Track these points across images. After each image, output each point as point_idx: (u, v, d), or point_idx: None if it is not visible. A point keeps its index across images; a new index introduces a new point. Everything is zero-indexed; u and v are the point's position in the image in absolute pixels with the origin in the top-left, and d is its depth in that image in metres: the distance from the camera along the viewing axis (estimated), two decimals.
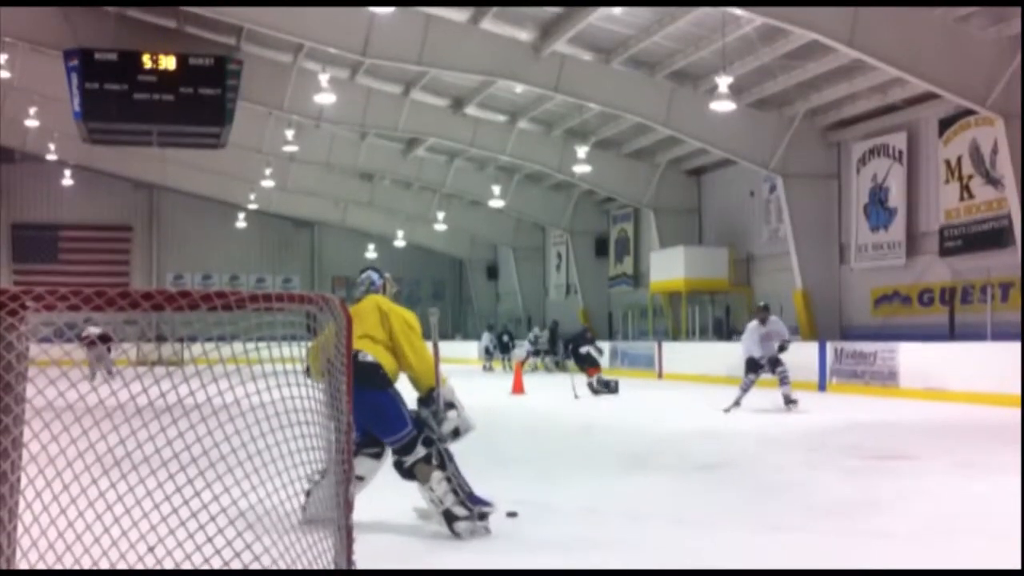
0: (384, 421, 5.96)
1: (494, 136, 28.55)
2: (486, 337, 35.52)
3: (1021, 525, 6.01)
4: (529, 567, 5.29)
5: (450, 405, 6.22)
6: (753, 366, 15.92)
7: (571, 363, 20.04)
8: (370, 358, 5.91)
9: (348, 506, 3.24)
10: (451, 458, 6.08)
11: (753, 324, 16.03)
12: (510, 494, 7.02)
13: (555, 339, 33.34)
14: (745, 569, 5.30)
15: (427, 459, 5.96)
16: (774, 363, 15.84)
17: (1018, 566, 5.32)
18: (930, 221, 21.14)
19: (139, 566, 2.93)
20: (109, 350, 23.57)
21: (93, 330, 20.20)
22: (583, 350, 19.84)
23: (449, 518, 5.90)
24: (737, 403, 15.76)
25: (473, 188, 34.75)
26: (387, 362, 6.00)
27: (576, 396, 18.91)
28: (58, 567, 2.76)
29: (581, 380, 20.42)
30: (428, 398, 6.19)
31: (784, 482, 8.60)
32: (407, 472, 6.00)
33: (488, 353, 35.03)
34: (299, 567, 3.55)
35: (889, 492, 7.98)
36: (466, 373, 29.21)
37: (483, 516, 6.01)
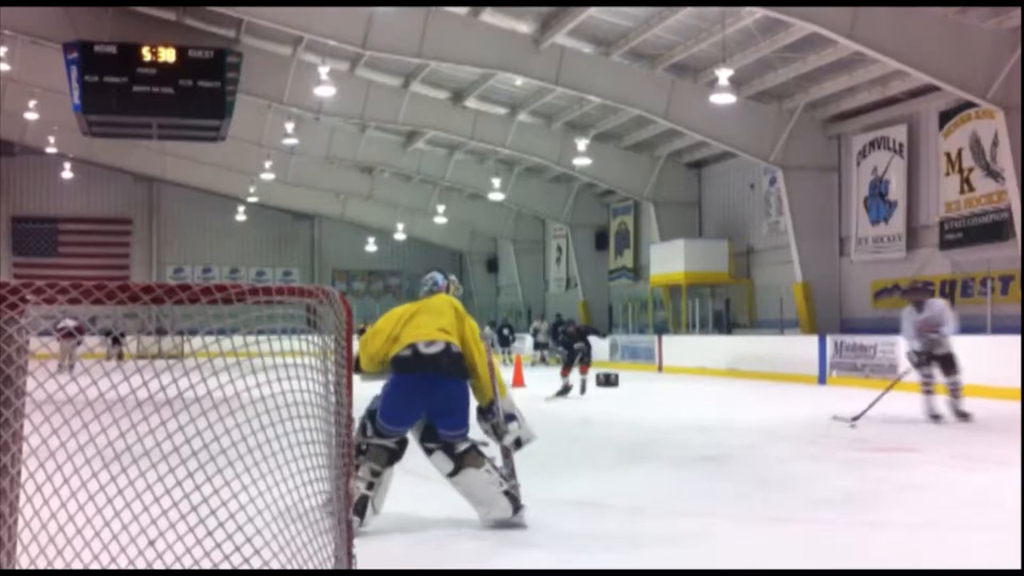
0: (459, 412, 5.94)
1: (494, 129, 28.53)
2: (487, 332, 35.50)
3: (1021, 521, 6.01)
4: (529, 560, 5.29)
5: (511, 417, 6.22)
6: (917, 361, 12.92)
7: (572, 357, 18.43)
8: (458, 349, 5.99)
9: (348, 499, 3.24)
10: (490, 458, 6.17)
11: (907, 309, 12.96)
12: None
13: (556, 333, 33.34)
14: (745, 569, 5.30)
15: (477, 449, 6.03)
16: (946, 365, 12.71)
17: (1018, 560, 5.32)
18: (930, 214, 21.13)
19: (139, 560, 2.93)
20: (79, 343, 23.60)
21: (69, 322, 20.33)
22: (577, 345, 18.35)
23: (511, 498, 5.99)
24: (936, 416, 12.73)
25: (473, 181, 34.74)
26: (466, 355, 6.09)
27: (583, 392, 18.24)
28: (58, 561, 2.76)
29: (582, 376, 19.02)
30: (488, 410, 6.20)
31: (785, 474, 8.60)
32: (457, 458, 5.94)
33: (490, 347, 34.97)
34: (299, 560, 3.54)
35: (889, 484, 7.99)
36: None
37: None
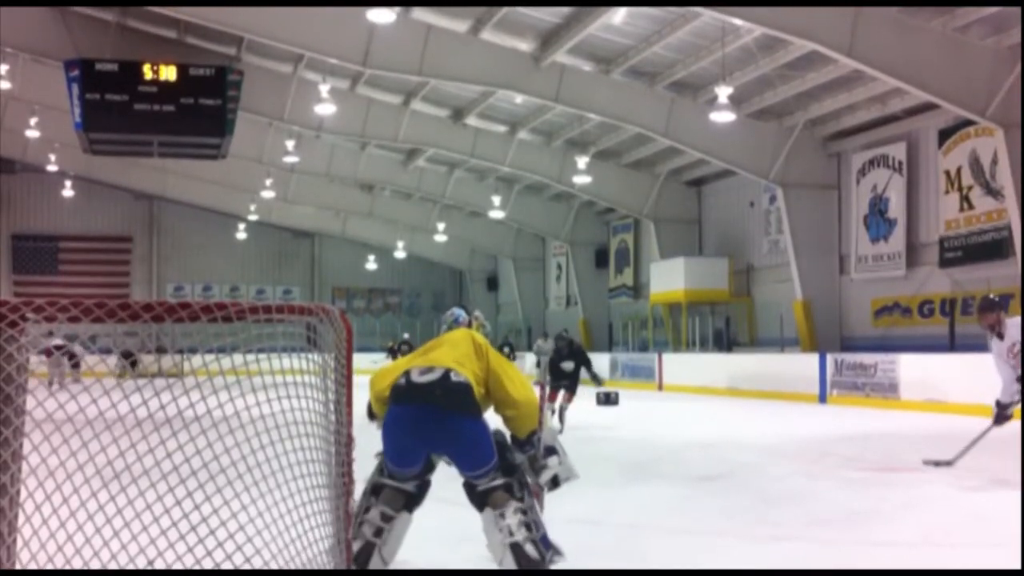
0: (475, 451, 5.10)
1: (494, 147, 28.57)
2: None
3: (1021, 530, 5.99)
4: None
5: (551, 450, 5.45)
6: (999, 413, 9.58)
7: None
8: (462, 378, 5.08)
9: (348, 519, 3.22)
10: (530, 493, 5.28)
11: (992, 341, 9.51)
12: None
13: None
14: (744, 569, 5.29)
15: (507, 487, 5.13)
16: None
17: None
18: (930, 232, 21.14)
19: None
20: (76, 364, 23.72)
21: (57, 340, 20.49)
22: (566, 365, 15.10)
23: (517, 554, 5.01)
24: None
25: (473, 199, 34.76)
26: (476, 389, 5.15)
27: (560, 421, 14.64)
28: None
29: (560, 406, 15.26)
30: (527, 441, 5.33)
31: (785, 493, 8.58)
32: (479, 497, 5.16)
33: None
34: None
35: (890, 503, 7.97)
36: None
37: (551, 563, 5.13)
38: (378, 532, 5.02)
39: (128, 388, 2.83)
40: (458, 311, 6.31)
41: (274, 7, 20.40)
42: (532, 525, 5.07)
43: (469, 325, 6.10)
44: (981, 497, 8.32)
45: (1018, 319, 9.30)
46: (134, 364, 28.32)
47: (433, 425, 5.00)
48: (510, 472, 5.18)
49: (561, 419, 14.61)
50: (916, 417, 13.71)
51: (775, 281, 25.86)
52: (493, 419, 5.21)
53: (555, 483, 5.52)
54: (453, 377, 5.05)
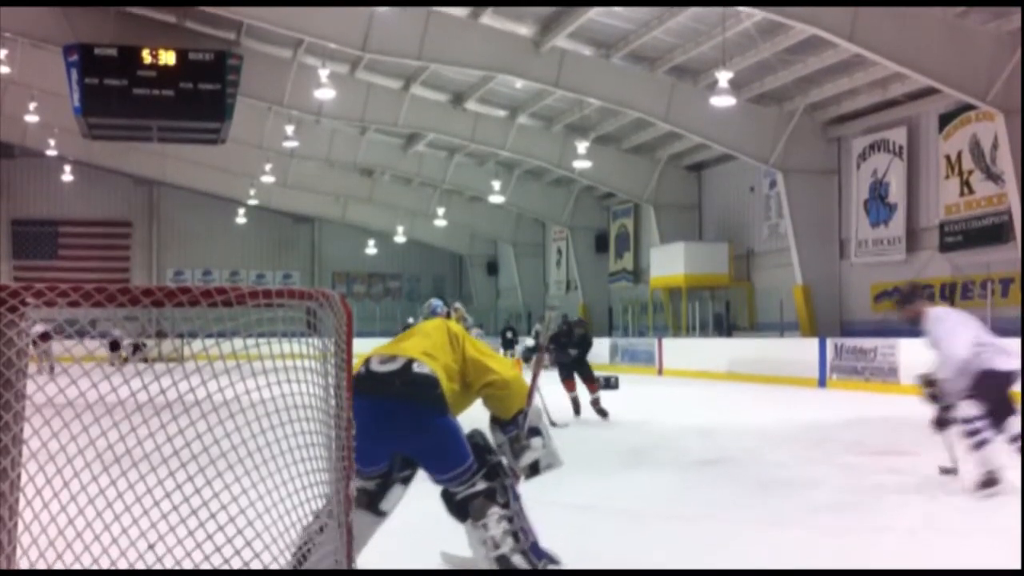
0: (442, 452, 4.57)
1: (494, 131, 28.54)
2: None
3: (1021, 525, 6.00)
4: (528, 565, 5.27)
5: (534, 431, 4.86)
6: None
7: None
8: (427, 369, 4.54)
9: (348, 502, 3.23)
10: (517, 497, 4.76)
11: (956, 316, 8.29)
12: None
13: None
14: (745, 569, 5.30)
15: (488, 493, 4.63)
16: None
17: (1017, 561, 5.32)
18: (930, 216, 21.14)
19: (139, 563, 2.93)
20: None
21: (40, 326, 20.46)
22: (572, 351, 14.22)
23: (504, 567, 4.61)
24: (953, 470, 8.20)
25: (473, 184, 34.75)
26: (446, 384, 4.60)
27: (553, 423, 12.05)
28: (58, 565, 2.76)
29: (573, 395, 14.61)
30: (512, 420, 4.84)
31: (784, 478, 8.60)
32: (458, 506, 4.70)
33: None
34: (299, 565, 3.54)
35: (889, 488, 7.99)
36: None
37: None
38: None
39: (128, 373, 2.83)
40: (436, 301, 5.99)
41: None
42: (520, 534, 4.65)
43: (448, 316, 5.70)
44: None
45: (941, 311, 8.24)
46: (138, 349, 28.53)
47: (392, 420, 4.45)
48: (492, 476, 4.66)
49: (600, 411, 13.91)
50: (916, 402, 13.68)
51: (775, 266, 25.87)
52: (473, 421, 4.85)
53: (535, 469, 4.92)
54: (416, 368, 4.51)
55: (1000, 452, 7.61)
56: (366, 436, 4.07)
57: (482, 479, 4.63)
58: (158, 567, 2.86)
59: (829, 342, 20.91)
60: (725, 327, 27.70)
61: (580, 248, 35.73)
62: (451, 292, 47.42)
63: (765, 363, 22.62)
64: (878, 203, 22.41)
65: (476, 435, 4.79)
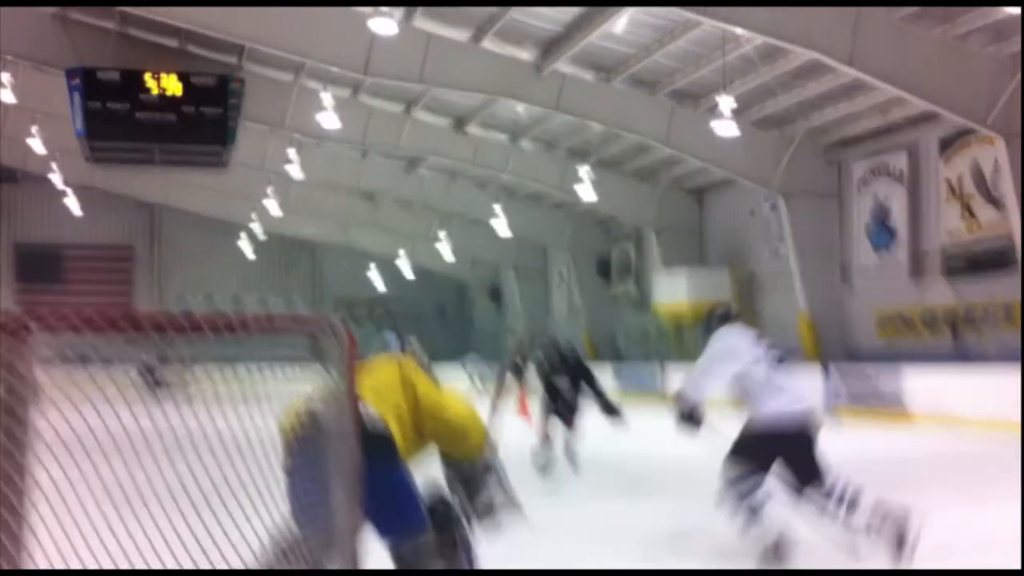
0: (391, 507, 4.13)
1: (495, 155, 28.59)
2: (475, 361, 34.90)
3: (1021, 525, 5.97)
4: None
5: (489, 469, 4.54)
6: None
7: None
8: (372, 411, 4.17)
9: (355, 527, 3.21)
10: (469, 547, 4.40)
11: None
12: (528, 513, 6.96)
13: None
14: (746, 569, 5.28)
15: (441, 545, 4.28)
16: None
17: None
18: (932, 241, 21.11)
19: None
20: None
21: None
22: (559, 382, 11.75)
23: None
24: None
25: (475, 207, 34.74)
26: (397, 430, 4.26)
27: (571, 457, 11.58)
28: None
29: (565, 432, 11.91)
30: (468, 460, 4.54)
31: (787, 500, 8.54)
32: (403, 558, 4.26)
33: (476, 377, 34.43)
34: None
35: None
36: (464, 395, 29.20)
37: None
38: None
39: (135, 405, 2.82)
40: (389, 335, 5.46)
41: (275, 15, 20.39)
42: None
43: (402, 350, 5.26)
44: (985, 513, 8.26)
45: (726, 329, 7.45)
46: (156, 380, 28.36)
47: None
48: (444, 527, 4.31)
49: (570, 457, 11.47)
50: (921, 429, 13.65)
51: (778, 290, 25.80)
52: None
53: (488, 511, 4.54)
54: (362, 410, 3.95)
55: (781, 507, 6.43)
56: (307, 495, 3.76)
57: (432, 531, 4.26)
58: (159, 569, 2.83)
59: (833, 369, 20.74)
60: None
61: (582, 273, 35.67)
62: (454, 317, 47.38)
63: None
64: (880, 228, 22.40)
65: (429, 484, 4.47)
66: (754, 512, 6.29)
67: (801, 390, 6.78)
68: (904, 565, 5.80)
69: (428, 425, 4.42)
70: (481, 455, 4.51)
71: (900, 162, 21.79)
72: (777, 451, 6.43)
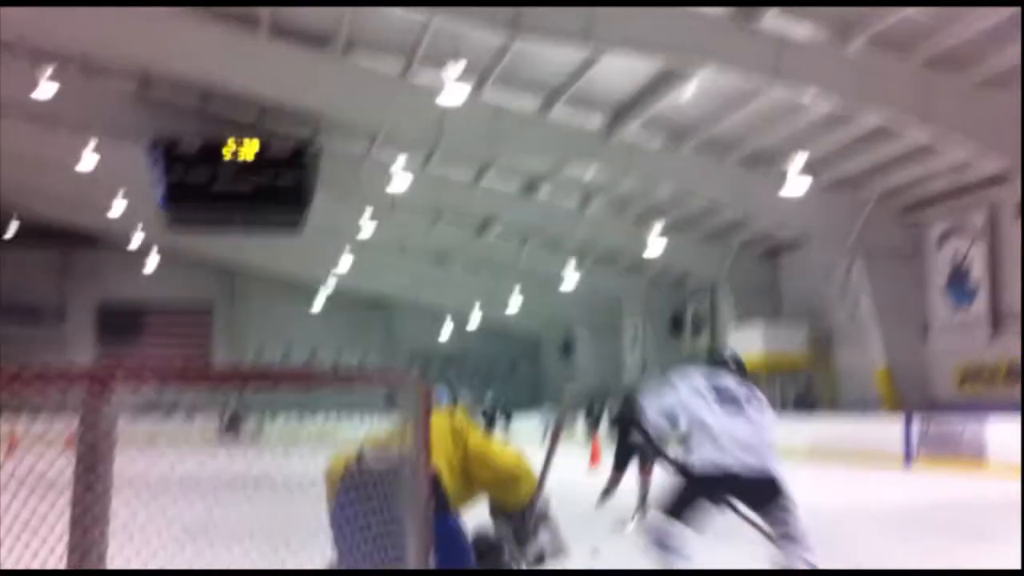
0: (443, 554, 3.89)
1: (566, 218, 28.74)
2: (547, 412, 34.80)
3: (1021, 526, 5.80)
4: None
5: (542, 518, 4.52)
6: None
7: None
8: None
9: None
10: None
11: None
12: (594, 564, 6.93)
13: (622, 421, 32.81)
14: (749, 569, 5.19)
15: None
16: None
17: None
18: (1013, 299, 20.63)
19: None
20: None
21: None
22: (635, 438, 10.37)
23: None
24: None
25: (547, 268, 34.85)
26: (448, 479, 4.27)
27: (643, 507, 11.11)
28: None
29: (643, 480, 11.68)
30: (520, 508, 4.50)
31: (869, 560, 8.39)
32: None
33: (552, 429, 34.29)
34: None
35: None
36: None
37: None
38: None
39: (213, 450, 2.91)
40: (440, 390, 5.47)
41: (348, 87, 20.76)
42: None
43: (454, 405, 5.16)
44: None
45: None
46: (234, 424, 29.22)
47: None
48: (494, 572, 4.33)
49: (642, 502, 11.09)
50: (1005, 483, 13.30)
51: (856, 347, 25.37)
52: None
53: (540, 559, 4.55)
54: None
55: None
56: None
57: None
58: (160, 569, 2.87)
59: (915, 421, 20.30)
60: (806, 406, 27.22)
61: (655, 329, 35.50)
62: (527, 373, 47.35)
63: (847, 443, 22.07)
64: (959, 286, 22.01)
65: (480, 532, 4.50)
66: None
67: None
68: None
69: (478, 473, 4.45)
70: (531, 502, 4.52)
71: (978, 220, 21.44)
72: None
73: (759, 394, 6.35)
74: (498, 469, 4.46)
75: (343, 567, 3.85)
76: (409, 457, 3.41)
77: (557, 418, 5.36)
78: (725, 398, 6.22)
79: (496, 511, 4.58)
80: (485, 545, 4.43)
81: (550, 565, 4.52)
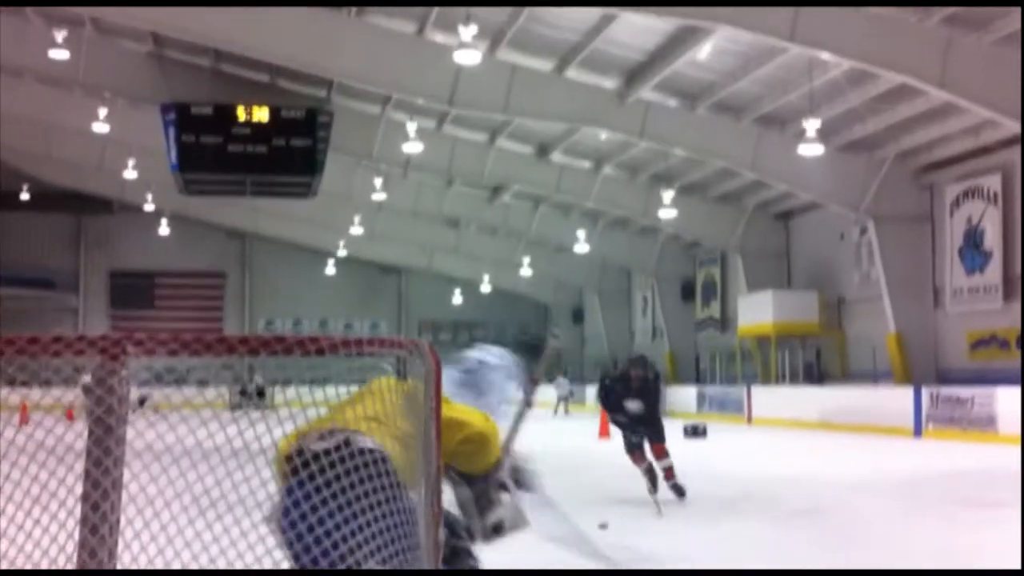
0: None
1: (579, 182, 28.67)
2: (563, 384, 34.86)
3: (1021, 526, 5.79)
4: None
5: (502, 486, 4.13)
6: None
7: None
8: (370, 444, 3.42)
9: (436, 549, 3.26)
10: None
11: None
12: (602, 539, 6.97)
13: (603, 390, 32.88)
14: (752, 569, 5.20)
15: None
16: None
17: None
18: None
19: None
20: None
21: (87, 377, 21.32)
22: (632, 406, 10.35)
23: None
24: None
25: (558, 233, 34.86)
26: (400, 453, 3.63)
27: (654, 486, 10.17)
28: None
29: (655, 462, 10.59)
30: (482, 475, 4.12)
31: (877, 531, 8.41)
32: None
33: (565, 400, 34.48)
34: None
35: (986, 541, 7.76)
36: (543, 417, 29.50)
37: None
38: None
39: (225, 420, 2.91)
40: (385, 366, 4.71)
41: (363, 51, 20.70)
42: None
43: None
44: None
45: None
46: (261, 394, 29.59)
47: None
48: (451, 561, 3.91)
49: (652, 482, 10.19)
50: (1015, 451, 13.29)
51: (867, 314, 25.35)
52: None
53: (498, 530, 4.11)
54: (359, 443, 3.39)
55: None
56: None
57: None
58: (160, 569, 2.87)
59: (925, 391, 20.37)
60: (816, 375, 27.22)
61: (666, 296, 35.52)
62: (536, 340, 47.35)
63: (858, 412, 22.12)
64: (973, 250, 21.91)
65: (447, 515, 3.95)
66: None
67: None
68: None
69: (447, 441, 3.80)
70: (497, 463, 4.15)
71: (994, 184, 21.30)
72: None
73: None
74: (468, 432, 4.04)
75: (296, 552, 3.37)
76: (421, 430, 3.40)
77: (532, 371, 4.76)
78: None
79: (456, 478, 4.15)
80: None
81: (509, 536, 4.08)
